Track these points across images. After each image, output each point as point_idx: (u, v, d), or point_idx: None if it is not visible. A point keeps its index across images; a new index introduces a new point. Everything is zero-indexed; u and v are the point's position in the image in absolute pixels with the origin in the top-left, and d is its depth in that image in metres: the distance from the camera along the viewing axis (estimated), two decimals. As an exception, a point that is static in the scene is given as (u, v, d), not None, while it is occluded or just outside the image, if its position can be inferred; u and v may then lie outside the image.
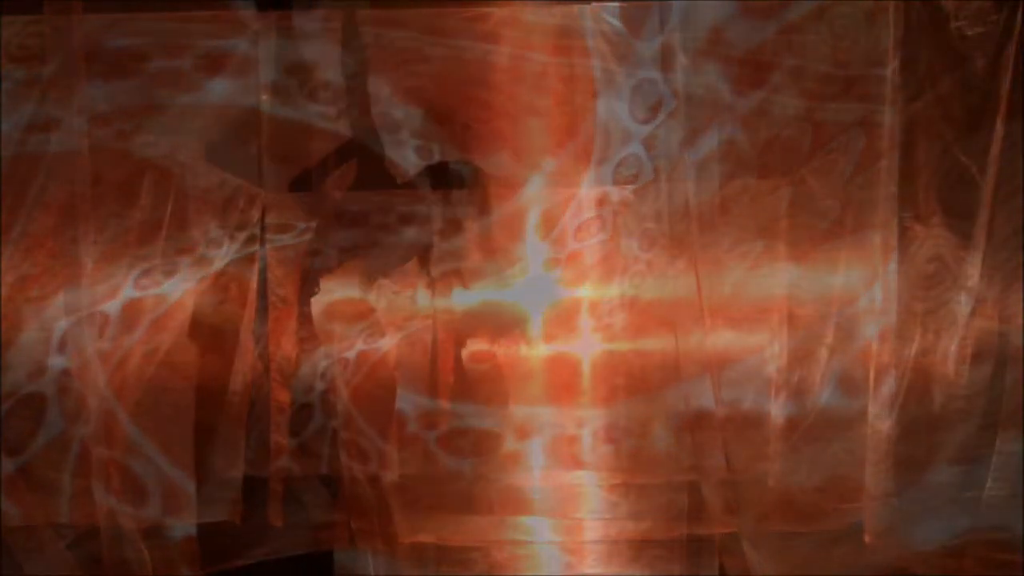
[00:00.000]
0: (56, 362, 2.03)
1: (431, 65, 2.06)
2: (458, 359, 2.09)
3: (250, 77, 2.04)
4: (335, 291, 2.07)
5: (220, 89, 2.05)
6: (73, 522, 2.04)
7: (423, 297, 2.08)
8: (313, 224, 2.06)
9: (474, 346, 2.09)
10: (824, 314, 2.03)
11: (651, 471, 2.08)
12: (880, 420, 2.00)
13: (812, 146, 2.04)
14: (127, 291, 2.04)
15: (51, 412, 2.04)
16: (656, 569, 2.08)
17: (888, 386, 2.00)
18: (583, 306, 2.11)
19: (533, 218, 2.10)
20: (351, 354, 2.08)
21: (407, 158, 2.07)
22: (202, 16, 2.05)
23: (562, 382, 2.11)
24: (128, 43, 2.04)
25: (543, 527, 2.14)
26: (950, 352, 2.00)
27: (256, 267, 2.05)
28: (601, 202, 2.09)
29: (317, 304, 2.07)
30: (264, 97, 2.04)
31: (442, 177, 2.08)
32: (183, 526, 2.05)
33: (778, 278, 2.05)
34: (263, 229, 2.06)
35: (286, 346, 2.06)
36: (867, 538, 2.00)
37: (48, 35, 2.00)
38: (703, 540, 2.06)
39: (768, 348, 2.04)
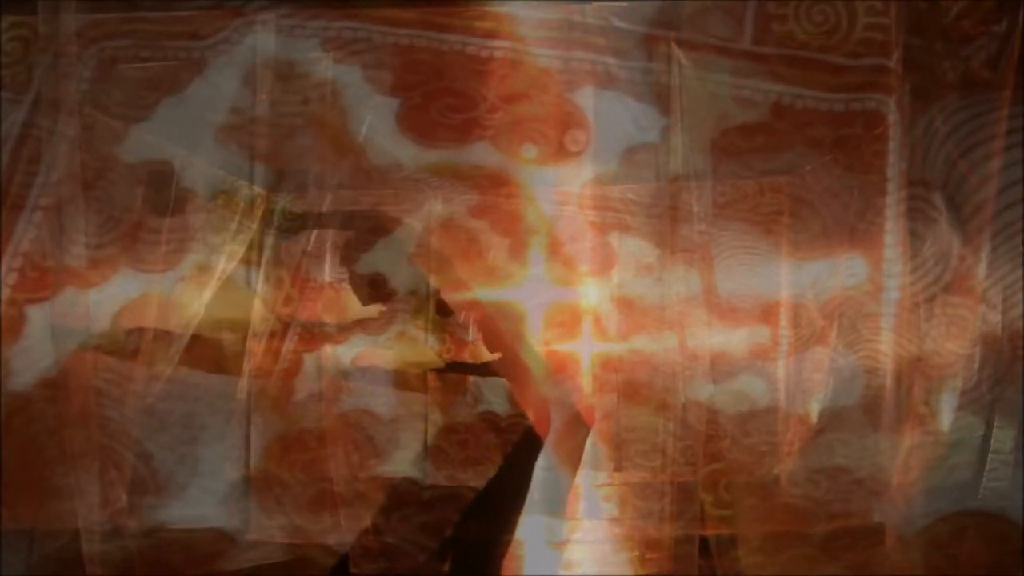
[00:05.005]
0: (50, 357, 2.03)
1: (429, 60, 2.06)
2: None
3: (248, 76, 2.04)
4: (334, 289, 2.07)
5: (217, 88, 2.05)
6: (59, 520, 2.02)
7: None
8: (311, 223, 2.06)
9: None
10: (827, 314, 2.03)
11: (648, 471, 2.08)
12: (888, 420, 2.01)
13: (813, 145, 2.04)
14: (124, 288, 2.04)
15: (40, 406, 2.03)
16: (649, 569, 2.08)
17: (892, 386, 2.01)
18: (581, 306, 2.10)
19: (531, 218, 2.09)
20: (350, 350, 2.07)
21: (407, 155, 2.07)
22: (199, 15, 2.05)
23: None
24: (123, 42, 2.04)
25: (538, 527, 2.13)
26: (954, 352, 2.01)
27: (256, 267, 2.05)
28: (600, 202, 2.08)
29: (316, 301, 2.06)
30: (262, 97, 2.04)
31: (440, 176, 2.08)
32: (177, 526, 2.04)
33: (779, 278, 2.05)
34: (262, 229, 2.06)
35: (287, 344, 2.05)
36: (887, 540, 2.01)
37: (40, 34, 1.99)
38: (695, 541, 2.06)
39: (770, 348, 2.05)
